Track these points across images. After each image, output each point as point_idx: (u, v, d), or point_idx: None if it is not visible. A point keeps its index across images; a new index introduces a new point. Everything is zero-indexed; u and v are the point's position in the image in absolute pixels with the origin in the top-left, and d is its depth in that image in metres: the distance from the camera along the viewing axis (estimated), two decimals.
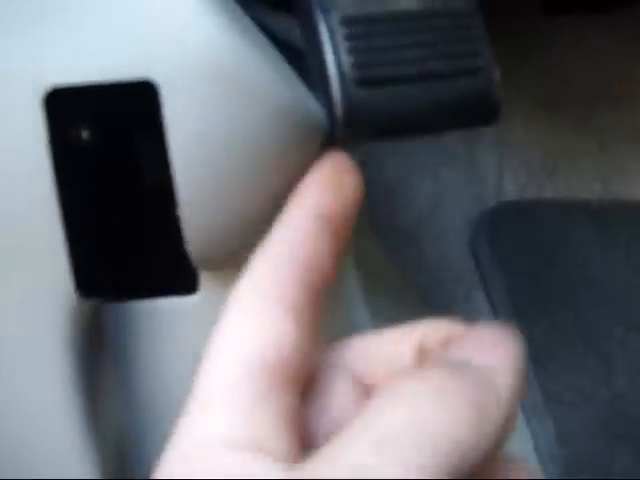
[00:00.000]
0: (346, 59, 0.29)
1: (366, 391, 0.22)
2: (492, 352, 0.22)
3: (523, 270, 0.55)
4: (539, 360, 0.52)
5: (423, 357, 0.24)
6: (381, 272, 0.50)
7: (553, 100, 0.65)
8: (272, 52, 0.29)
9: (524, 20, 0.65)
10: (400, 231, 0.57)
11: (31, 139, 0.27)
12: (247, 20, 0.30)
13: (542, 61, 0.65)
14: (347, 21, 0.30)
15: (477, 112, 0.32)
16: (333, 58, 0.29)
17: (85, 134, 0.29)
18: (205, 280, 0.32)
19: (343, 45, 0.29)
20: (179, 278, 0.32)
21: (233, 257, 0.32)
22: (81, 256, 0.29)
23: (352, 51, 0.29)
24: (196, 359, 0.31)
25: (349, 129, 0.29)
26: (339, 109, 0.29)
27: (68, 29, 0.27)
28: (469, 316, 0.55)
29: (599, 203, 0.61)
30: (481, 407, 0.20)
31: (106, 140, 0.29)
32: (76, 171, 0.29)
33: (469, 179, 0.60)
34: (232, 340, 0.22)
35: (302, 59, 0.34)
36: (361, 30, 0.30)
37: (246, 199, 0.29)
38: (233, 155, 0.28)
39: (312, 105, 0.30)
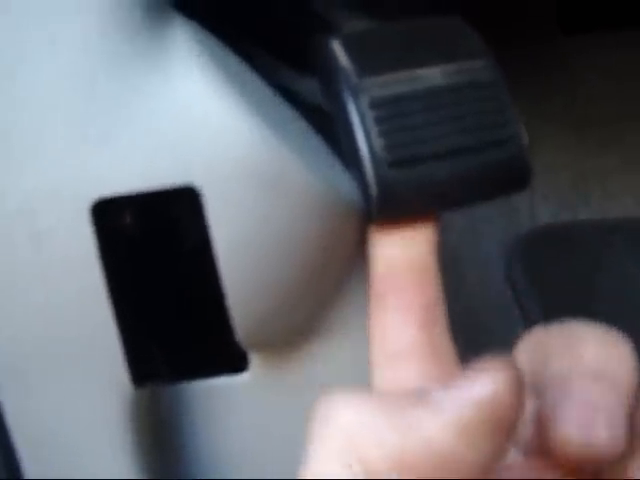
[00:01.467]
0: (377, 142, 0.30)
1: None
2: None
3: (561, 299, 0.55)
4: None
5: None
6: None
7: (579, 121, 0.65)
8: (305, 140, 0.30)
9: (544, 42, 0.65)
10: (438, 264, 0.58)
11: (81, 248, 0.28)
12: (280, 106, 0.32)
13: (566, 82, 0.65)
14: (376, 104, 0.30)
15: (509, 181, 0.32)
16: (365, 142, 0.30)
17: (131, 229, 0.30)
18: (255, 359, 0.33)
19: (374, 129, 0.30)
20: (229, 358, 0.33)
21: (280, 337, 0.33)
22: (134, 344, 0.30)
23: (383, 134, 0.30)
24: (249, 435, 0.32)
25: (384, 210, 0.30)
26: (373, 192, 0.30)
27: (110, 140, 0.28)
28: (508, 349, 0.55)
29: (635, 222, 0.61)
30: None
31: (152, 231, 0.30)
32: (124, 259, 0.30)
33: (501, 211, 0.61)
34: None
35: (328, 121, 0.34)
36: (390, 111, 0.31)
37: (289, 285, 0.30)
38: (275, 247, 0.29)
39: (348, 186, 0.31)
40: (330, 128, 0.34)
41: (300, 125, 0.31)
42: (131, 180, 0.28)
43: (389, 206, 0.30)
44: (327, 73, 0.32)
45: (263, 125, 0.28)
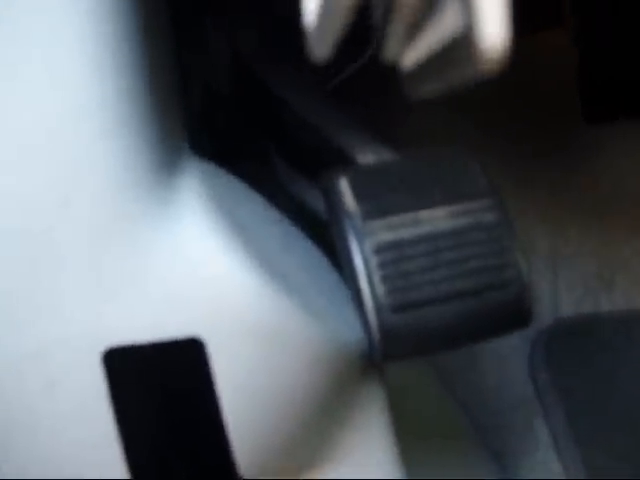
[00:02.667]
0: (380, 288, 0.31)
1: None
2: None
3: (583, 395, 0.55)
4: None
5: None
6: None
7: (606, 209, 0.65)
8: (308, 288, 0.31)
9: (569, 133, 0.66)
10: (458, 357, 0.58)
11: (92, 392, 0.29)
12: (285, 252, 0.33)
13: (592, 172, 0.65)
14: (380, 249, 0.31)
15: (509, 322, 0.33)
16: (368, 287, 0.31)
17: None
18: None
19: (377, 273, 0.31)
20: None
21: (283, 470, 0.34)
22: None
23: (385, 279, 0.31)
24: None
25: (387, 353, 0.31)
26: (376, 337, 0.31)
27: (121, 294, 0.29)
28: (529, 446, 0.55)
29: None
30: None
31: (160, 379, 0.31)
32: (134, 405, 0.31)
33: None
34: None
35: (327, 231, 0.35)
36: (393, 256, 0.31)
37: (293, 428, 0.31)
38: (277, 395, 0.30)
39: (348, 329, 0.31)
40: (330, 239, 0.35)
41: (303, 264, 0.32)
42: (140, 331, 0.29)
43: (391, 349, 0.31)
44: (333, 209, 0.33)
45: (266, 281, 0.29)
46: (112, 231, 0.29)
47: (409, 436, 0.40)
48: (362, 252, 0.31)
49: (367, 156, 0.38)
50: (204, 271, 0.29)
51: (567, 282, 0.62)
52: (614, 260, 0.63)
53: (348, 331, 0.32)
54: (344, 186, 0.34)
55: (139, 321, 0.29)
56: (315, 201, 0.40)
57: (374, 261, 0.31)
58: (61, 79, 0.29)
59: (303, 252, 0.35)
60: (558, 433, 0.54)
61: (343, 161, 0.38)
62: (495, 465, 0.51)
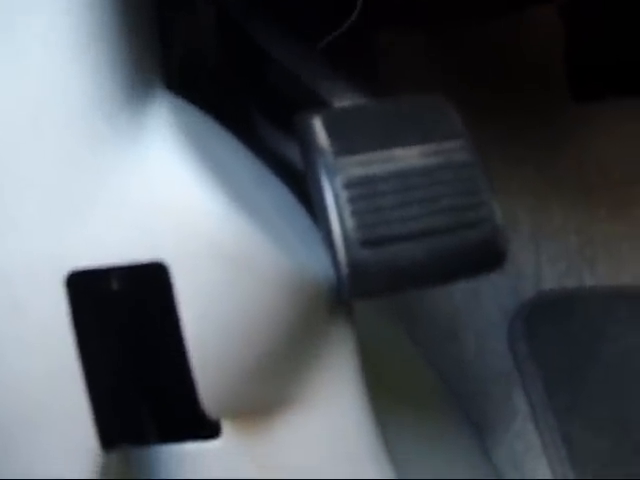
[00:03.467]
0: (350, 222, 0.31)
1: None
2: None
3: (562, 366, 0.55)
4: (577, 460, 0.51)
5: None
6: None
7: (590, 187, 0.65)
8: (278, 219, 0.31)
9: (556, 110, 0.66)
10: (438, 328, 0.58)
11: (56, 315, 0.29)
12: (255, 184, 0.32)
13: (578, 149, 0.65)
14: (350, 184, 0.31)
15: (482, 261, 0.33)
16: (338, 222, 0.31)
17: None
18: (226, 426, 0.34)
19: (347, 208, 0.31)
20: (201, 424, 0.34)
21: (250, 407, 0.33)
22: (104, 409, 0.31)
23: (355, 214, 0.31)
24: None
25: (356, 289, 0.31)
26: (345, 272, 0.30)
27: (85, 216, 0.29)
28: (506, 415, 0.55)
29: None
30: None
31: (123, 302, 0.31)
32: (96, 328, 0.30)
33: (506, 272, 0.60)
34: None
35: (303, 181, 0.35)
36: (364, 192, 0.31)
37: (257, 358, 0.31)
38: (242, 322, 0.30)
39: (318, 266, 0.31)
40: (304, 188, 0.35)
41: (275, 202, 0.32)
42: (105, 254, 0.29)
43: (360, 285, 0.31)
44: (307, 149, 0.33)
45: (233, 206, 0.29)
46: (79, 153, 0.29)
47: (382, 394, 0.40)
48: (332, 187, 0.31)
49: (344, 101, 0.38)
50: (171, 195, 0.29)
51: (550, 257, 0.62)
52: (597, 237, 0.63)
53: (318, 267, 0.31)
54: (317, 125, 0.33)
55: (104, 244, 0.29)
56: (292, 153, 0.39)
57: (344, 196, 0.31)
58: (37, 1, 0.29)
59: (275, 191, 0.34)
60: (536, 403, 0.54)
61: (319, 105, 0.38)
62: (471, 430, 0.51)
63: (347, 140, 0.33)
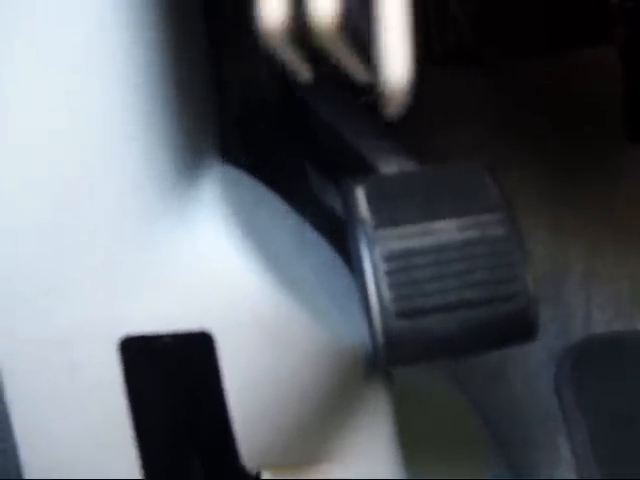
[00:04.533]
0: (387, 294, 0.32)
1: None
2: None
3: (609, 416, 0.55)
4: None
5: None
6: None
7: None
8: (315, 289, 0.33)
9: (611, 151, 0.65)
10: (485, 368, 0.59)
11: (108, 376, 0.31)
12: (295, 255, 0.34)
13: (633, 192, 0.65)
14: (389, 257, 0.32)
15: (514, 334, 0.34)
16: (375, 292, 0.32)
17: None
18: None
19: (384, 280, 0.32)
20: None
21: (287, 461, 0.35)
22: (152, 465, 0.33)
23: (393, 286, 0.32)
24: None
25: (390, 358, 0.32)
26: (380, 341, 0.32)
27: (137, 285, 0.31)
28: (550, 461, 0.55)
29: None
30: None
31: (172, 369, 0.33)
32: (147, 393, 0.33)
33: (556, 315, 0.61)
34: None
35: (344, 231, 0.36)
36: (401, 264, 0.33)
37: (294, 418, 0.33)
38: (281, 390, 0.31)
39: (355, 332, 0.33)
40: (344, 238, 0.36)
41: (317, 269, 0.34)
42: (155, 322, 0.31)
43: (395, 355, 0.32)
44: (349, 217, 0.35)
45: (274, 279, 0.31)
46: (132, 226, 0.31)
47: (417, 440, 0.41)
48: (372, 259, 0.33)
49: (389, 166, 0.39)
50: (216, 270, 0.31)
51: (600, 301, 0.62)
52: None
53: (354, 334, 0.33)
54: (360, 194, 0.35)
55: (154, 312, 0.31)
56: (340, 208, 0.41)
57: (382, 268, 0.32)
58: (92, 78, 0.31)
59: (318, 257, 0.36)
60: (579, 452, 0.54)
61: (366, 170, 0.40)
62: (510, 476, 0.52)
63: (387, 211, 0.34)
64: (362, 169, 0.40)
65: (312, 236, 0.37)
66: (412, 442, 0.37)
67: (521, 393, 0.58)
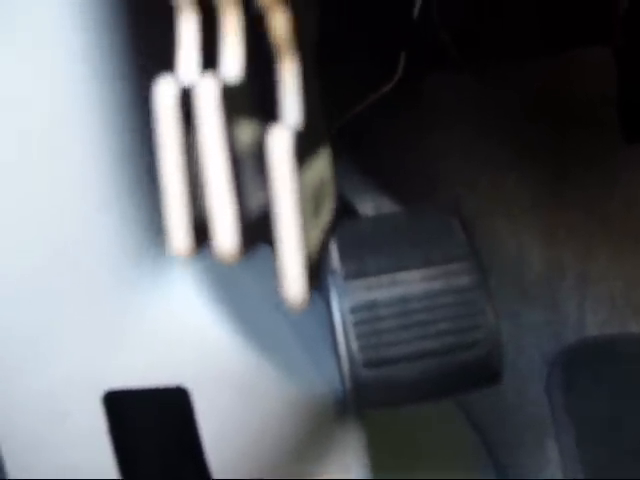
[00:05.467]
0: (354, 344, 0.34)
1: None
2: None
3: (596, 420, 0.56)
4: None
5: None
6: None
7: (637, 229, 0.65)
8: (286, 341, 0.35)
9: (606, 152, 0.66)
10: None
11: (92, 427, 0.34)
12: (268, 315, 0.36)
13: (627, 192, 0.65)
14: (356, 309, 0.34)
15: (478, 380, 0.35)
16: (344, 342, 0.34)
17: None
18: None
19: (352, 331, 0.34)
20: None
21: None
22: None
23: (360, 336, 0.34)
24: None
25: (358, 403, 0.34)
26: (348, 388, 0.34)
27: (116, 344, 0.33)
28: (538, 465, 0.57)
29: None
30: None
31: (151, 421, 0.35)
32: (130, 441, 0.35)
33: (549, 318, 0.62)
34: None
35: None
36: (368, 316, 0.34)
37: (269, 462, 0.35)
38: (255, 438, 0.34)
39: (326, 379, 0.35)
40: None
41: (292, 327, 0.36)
42: (134, 376, 0.33)
43: (362, 401, 0.34)
44: (323, 265, 0.36)
45: (246, 335, 0.33)
46: (113, 289, 0.33)
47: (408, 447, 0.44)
48: (340, 310, 0.34)
49: (365, 205, 0.41)
50: (189, 326, 0.33)
51: (594, 303, 0.63)
52: None
53: (325, 382, 0.35)
54: (331, 245, 0.36)
55: (134, 368, 0.33)
56: None
57: (350, 319, 0.34)
58: (70, 147, 0.33)
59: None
60: (567, 456, 0.56)
61: (345, 208, 0.41)
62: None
63: (357, 261, 0.36)
64: (341, 207, 0.41)
65: None
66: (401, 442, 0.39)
67: (512, 398, 0.59)
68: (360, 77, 0.55)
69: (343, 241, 0.36)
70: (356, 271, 0.35)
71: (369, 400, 0.34)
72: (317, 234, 0.18)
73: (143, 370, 0.33)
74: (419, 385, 0.34)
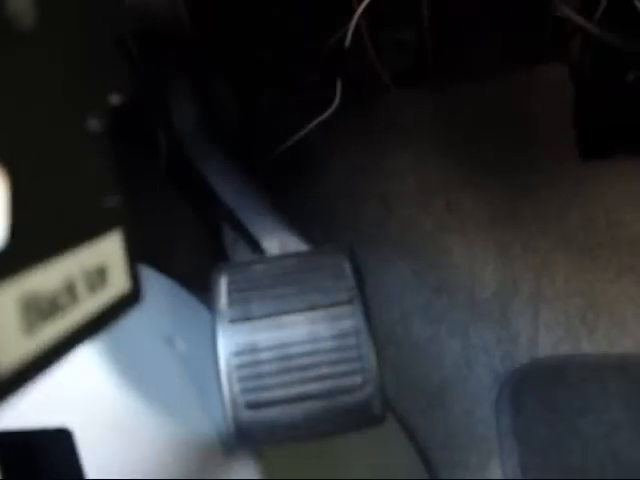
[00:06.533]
0: (236, 387, 0.35)
1: None
2: None
3: (540, 443, 0.56)
4: None
5: None
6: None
7: (596, 246, 0.64)
8: (173, 386, 0.36)
9: (562, 168, 0.65)
10: (426, 396, 0.61)
11: None
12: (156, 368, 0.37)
13: (584, 208, 0.65)
14: (239, 352, 0.35)
15: (359, 422, 0.36)
16: (227, 384, 0.35)
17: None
18: None
19: (235, 373, 0.35)
20: None
21: None
22: None
23: (242, 379, 0.35)
24: None
25: (241, 442, 0.35)
26: (230, 429, 0.35)
27: None
28: None
29: (635, 361, 0.60)
30: None
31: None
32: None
33: (501, 337, 0.62)
34: None
35: None
36: (250, 359, 0.35)
37: None
38: (139, 473, 0.35)
39: (211, 424, 0.36)
40: None
41: (180, 366, 0.37)
42: (17, 418, 0.35)
43: (245, 440, 0.35)
44: (212, 304, 0.37)
45: (132, 382, 0.34)
46: None
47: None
48: (225, 353, 0.35)
49: (271, 242, 0.41)
50: (76, 366, 0.34)
51: (548, 322, 0.63)
52: (600, 300, 0.63)
53: (212, 422, 0.36)
54: (222, 283, 0.37)
55: (18, 408, 0.35)
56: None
57: (234, 362, 0.35)
58: None
59: (191, 344, 0.39)
60: (509, 477, 0.56)
61: (253, 245, 0.42)
62: None
63: (244, 304, 0.36)
64: (250, 244, 0.42)
65: (188, 323, 0.39)
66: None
67: (460, 418, 0.60)
68: (300, 105, 0.56)
69: (233, 284, 0.37)
70: (242, 313, 0.36)
71: (250, 439, 0.35)
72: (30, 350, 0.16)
73: (26, 411, 0.35)
74: (300, 426, 0.35)
